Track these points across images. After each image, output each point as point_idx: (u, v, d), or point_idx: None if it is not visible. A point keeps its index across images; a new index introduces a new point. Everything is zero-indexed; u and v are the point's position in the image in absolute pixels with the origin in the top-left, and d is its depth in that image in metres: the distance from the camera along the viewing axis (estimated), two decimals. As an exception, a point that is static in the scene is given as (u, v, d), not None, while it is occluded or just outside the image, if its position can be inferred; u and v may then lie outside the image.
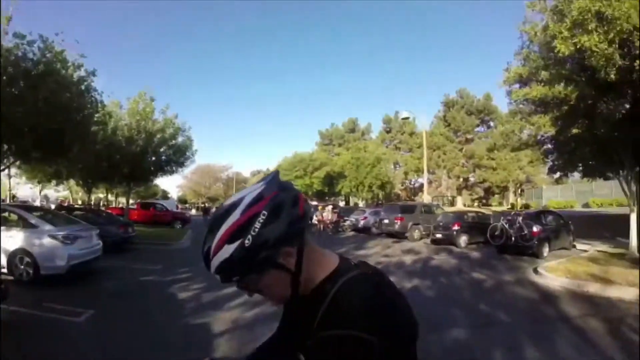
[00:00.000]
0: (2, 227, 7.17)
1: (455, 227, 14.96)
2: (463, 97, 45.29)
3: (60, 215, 9.93)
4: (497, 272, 9.45)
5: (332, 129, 54.52)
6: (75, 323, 5.02)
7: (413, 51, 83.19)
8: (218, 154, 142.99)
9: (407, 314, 0.91)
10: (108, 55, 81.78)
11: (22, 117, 9.14)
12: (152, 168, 18.78)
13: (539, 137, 11.89)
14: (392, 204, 23.19)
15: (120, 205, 32.31)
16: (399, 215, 18.17)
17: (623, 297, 6.36)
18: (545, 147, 12.87)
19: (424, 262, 11.39)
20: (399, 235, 18.07)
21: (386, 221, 18.59)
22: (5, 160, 11.90)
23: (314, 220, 22.62)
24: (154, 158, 18.47)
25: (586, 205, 34.31)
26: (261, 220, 0.80)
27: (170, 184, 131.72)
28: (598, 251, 11.54)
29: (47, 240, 7.24)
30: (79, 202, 40.51)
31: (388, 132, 51.67)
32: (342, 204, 39.66)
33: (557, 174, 15.88)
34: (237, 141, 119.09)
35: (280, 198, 0.83)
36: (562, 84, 8.25)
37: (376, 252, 13.34)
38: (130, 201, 25.89)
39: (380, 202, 40.84)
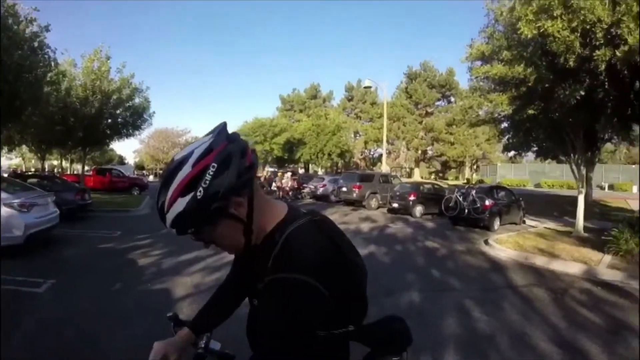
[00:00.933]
0: None
1: (412, 198, 15.46)
2: (426, 70, 45.56)
3: (14, 181, 9.22)
4: (450, 241, 9.95)
5: (293, 94, 52.94)
6: (36, 294, 4.87)
7: (380, 19, 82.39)
8: (176, 118, 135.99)
9: (353, 258, 1.01)
10: (61, 8, 73.62)
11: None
12: (108, 131, 17.80)
13: (496, 115, 12.14)
14: (351, 173, 23.36)
15: (76, 172, 30.79)
16: (358, 183, 18.43)
17: (567, 271, 6.86)
18: (501, 125, 13.25)
19: (381, 229, 11.78)
20: (356, 204, 18.45)
21: (344, 189, 18.83)
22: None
23: (273, 186, 22.60)
24: (110, 120, 17.51)
25: (538, 185, 36.90)
26: (211, 172, 0.81)
27: (127, 149, 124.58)
28: (546, 228, 12.01)
29: (2, 209, 6.60)
30: (32, 169, 38.36)
31: (350, 100, 51.26)
32: (301, 171, 39.54)
33: (512, 153, 16.69)
34: (195, 104, 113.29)
35: (229, 149, 0.85)
36: (522, 65, 8.42)
37: (334, 220, 13.48)
38: (86, 168, 24.60)
39: (339, 170, 41.29)
